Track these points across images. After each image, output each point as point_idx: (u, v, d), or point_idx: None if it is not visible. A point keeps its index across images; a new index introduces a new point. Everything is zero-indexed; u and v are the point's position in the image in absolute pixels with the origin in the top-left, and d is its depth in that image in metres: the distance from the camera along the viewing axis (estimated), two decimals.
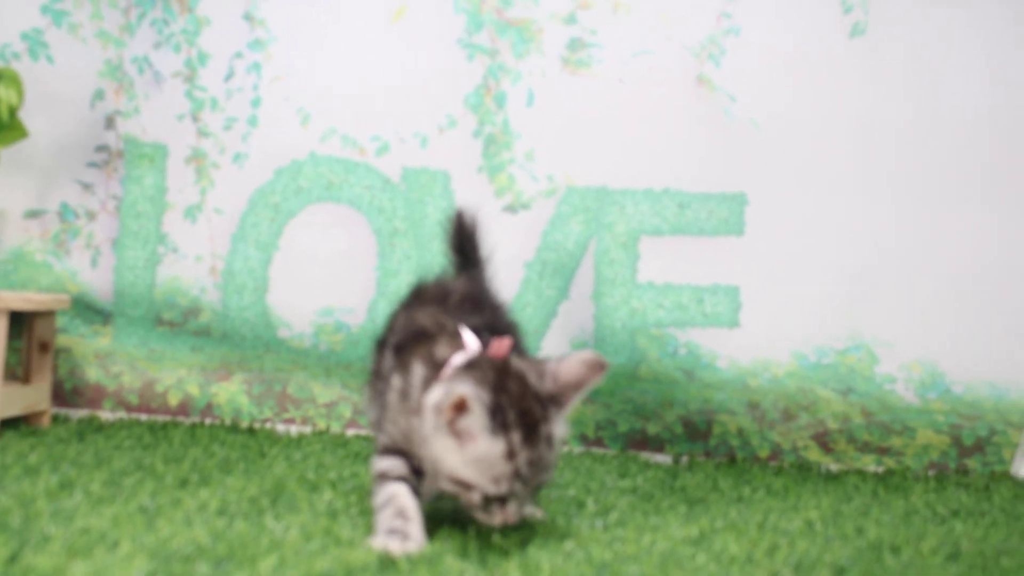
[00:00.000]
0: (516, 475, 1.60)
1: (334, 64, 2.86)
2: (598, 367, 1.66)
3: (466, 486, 1.61)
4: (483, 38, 2.83)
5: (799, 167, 2.80)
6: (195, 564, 1.42)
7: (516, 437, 1.59)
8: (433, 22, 2.83)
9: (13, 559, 1.39)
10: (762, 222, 2.80)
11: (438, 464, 1.63)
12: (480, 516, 1.64)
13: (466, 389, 1.57)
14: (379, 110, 2.85)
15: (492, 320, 1.81)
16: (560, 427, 1.65)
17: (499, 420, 1.59)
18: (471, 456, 1.60)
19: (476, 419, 1.58)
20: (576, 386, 1.66)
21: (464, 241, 2.06)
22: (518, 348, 1.79)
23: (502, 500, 1.61)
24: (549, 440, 1.63)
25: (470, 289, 1.92)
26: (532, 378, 1.64)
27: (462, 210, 2.08)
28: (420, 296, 1.91)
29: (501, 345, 1.67)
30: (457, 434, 1.60)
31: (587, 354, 1.67)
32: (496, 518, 1.62)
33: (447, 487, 1.64)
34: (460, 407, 1.58)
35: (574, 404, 1.66)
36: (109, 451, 2.33)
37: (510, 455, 1.59)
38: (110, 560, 1.41)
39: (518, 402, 1.61)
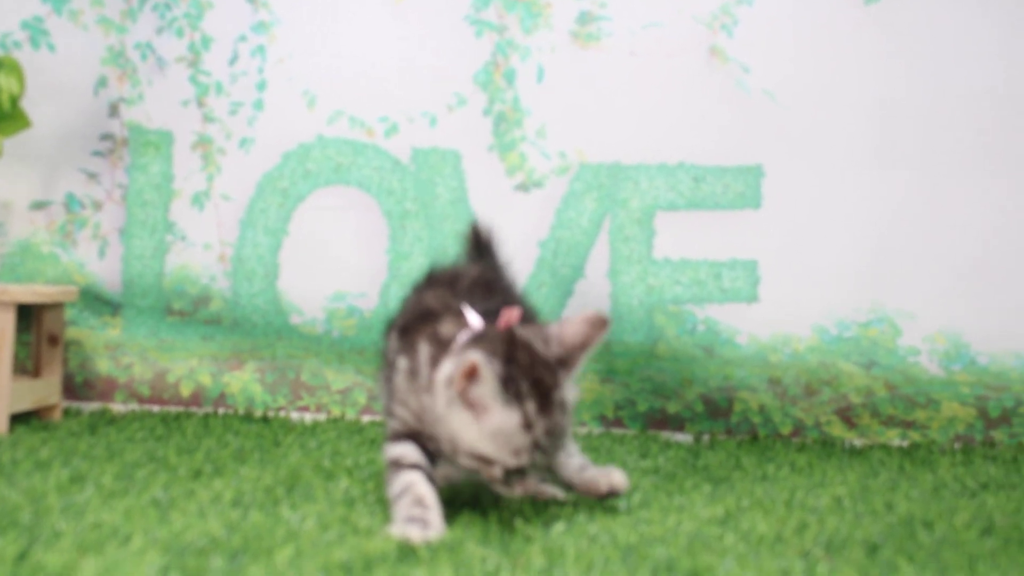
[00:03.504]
0: (535, 446, 1.58)
1: (340, 45, 2.81)
2: (600, 324, 1.66)
3: (486, 461, 1.59)
4: (491, 14, 2.77)
5: (816, 137, 2.74)
6: (210, 557, 1.38)
7: (531, 407, 1.57)
8: None
9: (22, 557, 1.35)
10: (779, 194, 2.74)
11: (456, 440, 1.60)
12: (500, 489, 1.62)
13: (477, 356, 1.55)
14: (387, 90, 2.80)
15: (504, 304, 1.78)
16: (571, 390, 1.65)
17: (512, 391, 1.57)
18: (488, 429, 1.57)
19: (488, 387, 1.56)
20: (582, 346, 1.66)
21: (481, 253, 2.05)
22: None
23: (522, 472, 1.59)
24: (563, 406, 1.62)
25: (482, 274, 1.89)
26: (539, 345, 1.63)
27: (477, 223, 2.07)
28: (431, 280, 1.89)
29: (510, 316, 1.65)
30: (472, 406, 1.58)
31: (588, 313, 1.66)
32: (516, 489, 1.61)
33: (466, 463, 1.61)
34: (471, 374, 1.56)
35: (582, 364, 1.66)
36: (121, 444, 2.30)
37: (527, 426, 1.57)
38: (122, 555, 1.37)
39: (529, 371, 1.59)
